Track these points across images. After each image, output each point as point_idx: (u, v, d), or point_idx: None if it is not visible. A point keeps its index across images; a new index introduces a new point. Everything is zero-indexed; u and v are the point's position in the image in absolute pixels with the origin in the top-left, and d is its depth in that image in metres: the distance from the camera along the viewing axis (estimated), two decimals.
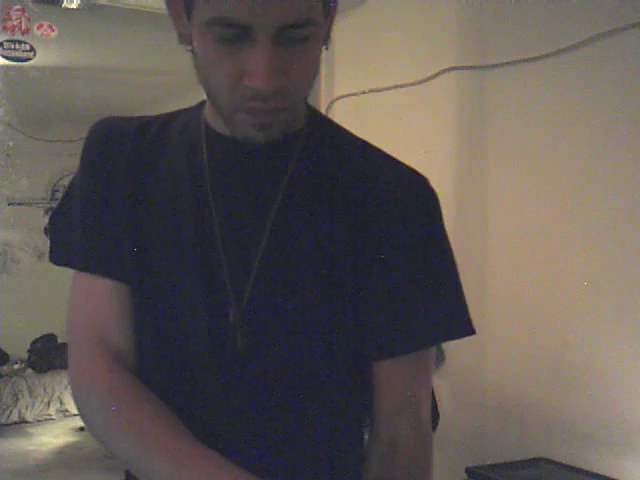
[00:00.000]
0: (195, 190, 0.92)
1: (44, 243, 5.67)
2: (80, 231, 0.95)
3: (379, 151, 0.99)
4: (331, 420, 0.93)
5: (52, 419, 5.74)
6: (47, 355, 5.82)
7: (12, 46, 3.24)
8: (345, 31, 3.53)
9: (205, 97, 0.92)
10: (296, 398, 0.90)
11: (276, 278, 0.89)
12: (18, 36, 3.17)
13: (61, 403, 5.77)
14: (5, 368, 5.86)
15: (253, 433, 0.89)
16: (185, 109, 1.00)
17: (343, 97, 3.51)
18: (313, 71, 0.87)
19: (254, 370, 0.88)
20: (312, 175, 0.93)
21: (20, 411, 5.64)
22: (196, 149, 0.94)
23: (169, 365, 0.92)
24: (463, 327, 0.95)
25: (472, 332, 0.95)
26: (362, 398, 0.95)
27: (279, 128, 0.86)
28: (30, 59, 3.32)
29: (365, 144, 1.01)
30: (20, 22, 3.09)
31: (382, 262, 0.90)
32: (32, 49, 3.29)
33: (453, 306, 0.94)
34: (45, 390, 5.74)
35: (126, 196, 0.93)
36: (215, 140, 0.93)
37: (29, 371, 5.88)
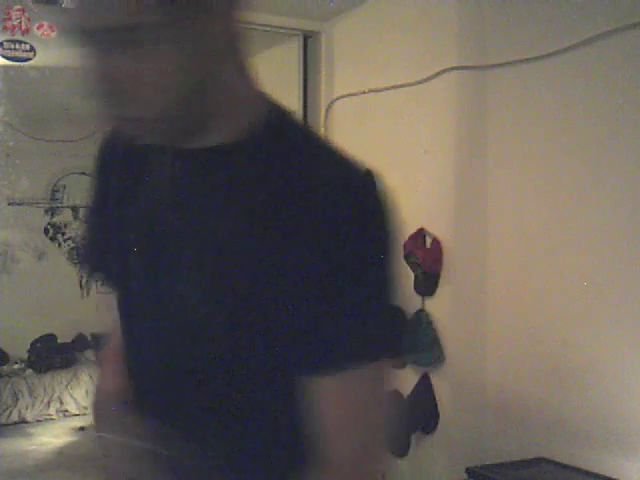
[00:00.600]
0: (144, 197, 0.95)
1: (44, 243, 5.67)
2: (85, 238, 1.07)
3: (330, 155, 0.90)
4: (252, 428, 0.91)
5: (52, 419, 5.73)
6: (47, 355, 5.81)
7: (12, 46, 3.24)
8: (345, 31, 3.53)
9: None
10: (213, 403, 0.91)
11: (197, 283, 0.88)
12: (18, 36, 3.17)
13: (61, 403, 5.76)
14: (5, 368, 5.85)
15: (182, 432, 0.91)
16: None
17: (343, 97, 3.51)
18: (165, 76, 0.80)
19: (179, 371, 0.92)
20: (242, 181, 0.88)
21: (20, 411, 5.63)
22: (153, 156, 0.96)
23: (129, 367, 1.00)
24: (373, 352, 0.85)
25: (384, 356, 0.86)
26: (289, 413, 0.89)
27: (152, 136, 0.86)
28: (30, 59, 3.32)
29: (316, 148, 0.91)
30: (20, 22, 3.09)
31: (305, 273, 0.83)
32: (32, 49, 3.29)
33: (367, 329, 0.85)
34: (45, 390, 5.74)
35: (113, 204, 0.98)
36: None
37: (29, 371, 5.87)
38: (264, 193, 0.86)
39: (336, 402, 0.84)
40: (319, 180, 0.85)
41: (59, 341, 5.81)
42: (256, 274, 0.85)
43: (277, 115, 0.93)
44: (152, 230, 0.92)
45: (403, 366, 3.25)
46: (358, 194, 0.86)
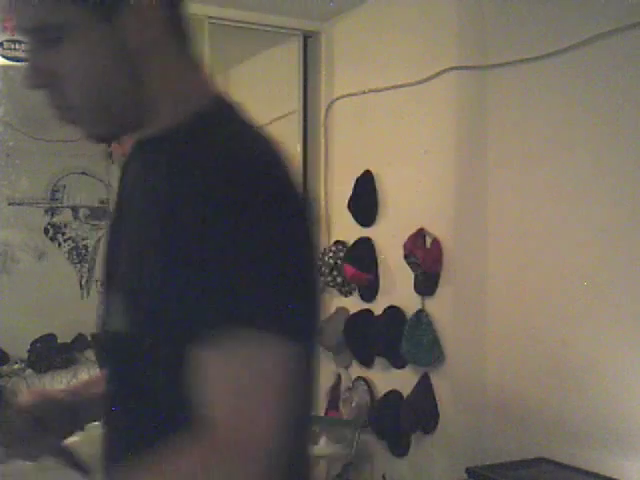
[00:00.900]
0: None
1: (44, 243, 5.66)
2: None
3: (239, 145, 0.89)
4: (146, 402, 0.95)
5: None
6: (47, 355, 5.81)
7: (12, 46, 3.24)
8: (345, 31, 3.53)
9: None
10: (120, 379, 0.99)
11: (109, 277, 1.01)
12: (18, 36, 3.17)
13: None
14: (5, 368, 5.85)
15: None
16: None
17: (343, 97, 3.51)
18: (90, 70, 0.87)
19: (107, 352, 1.05)
20: (149, 175, 0.94)
21: None
22: None
23: None
24: (250, 324, 0.83)
25: (266, 330, 0.83)
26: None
27: (90, 125, 0.93)
28: None
29: (228, 138, 0.89)
30: None
31: (189, 255, 0.84)
32: None
33: (225, 307, 0.83)
34: None
35: None
36: None
37: (29, 371, 5.87)
38: (165, 182, 0.89)
39: (213, 371, 0.83)
40: (210, 168, 0.85)
41: (59, 341, 5.80)
42: (148, 261, 0.90)
43: (211, 107, 0.94)
44: (111, 225, 1.05)
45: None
46: (247, 180, 0.84)
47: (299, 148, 3.72)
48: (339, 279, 3.41)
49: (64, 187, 5.57)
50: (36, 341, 5.91)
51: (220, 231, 0.82)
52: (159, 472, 0.84)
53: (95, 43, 0.86)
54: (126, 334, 0.92)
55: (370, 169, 3.29)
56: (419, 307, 2.97)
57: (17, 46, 3.25)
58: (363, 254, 3.28)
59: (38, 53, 0.87)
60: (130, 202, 0.98)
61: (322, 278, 3.46)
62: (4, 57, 3.28)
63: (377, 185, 3.27)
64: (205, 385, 0.84)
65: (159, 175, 0.91)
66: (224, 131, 0.91)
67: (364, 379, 3.31)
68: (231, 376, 0.83)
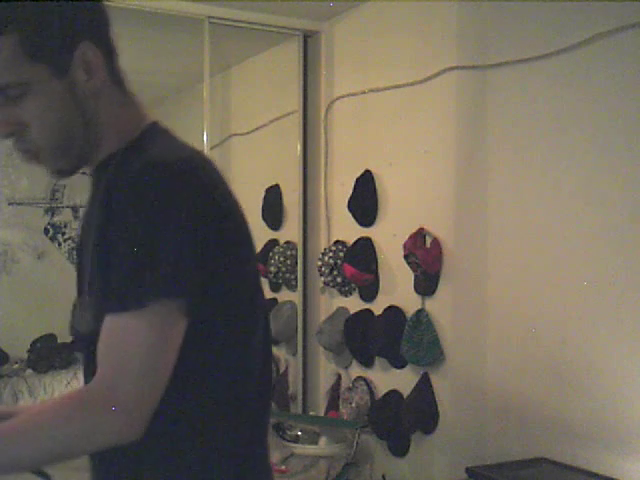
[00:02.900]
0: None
1: (44, 243, 5.67)
2: None
3: (147, 163, 1.03)
4: None
5: None
6: (47, 355, 5.81)
7: None
8: (345, 31, 3.53)
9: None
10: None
11: (81, 279, 1.13)
12: None
13: None
14: (5, 368, 5.85)
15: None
16: None
17: (343, 97, 3.51)
18: (51, 119, 1.05)
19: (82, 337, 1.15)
20: (97, 196, 1.09)
21: None
22: None
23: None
24: (123, 303, 0.99)
25: (132, 307, 0.98)
26: None
27: (53, 163, 1.10)
28: None
29: (142, 158, 1.04)
30: None
31: (106, 254, 1.01)
32: None
33: (121, 283, 0.99)
34: (45, 390, 5.74)
35: None
36: None
37: (29, 371, 5.87)
38: (103, 194, 1.04)
39: (105, 333, 1.00)
40: (119, 183, 1.02)
41: (59, 341, 5.80)
42: (92, 268, 1.06)
43: (146, 132, 1.12)
44: (79, 240, 1.19)
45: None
46: (139, 189, 0.99)
47: (299, 148, 3.73)
48: (339, 279, 3.41)
49: (64, 187, 5.57)
50: (36, 341, 5.92)
51: (120, 226, 0.99)
52: (28, 419, 1.00)
53: (52, 95, 1.04)
54: (92, 332, 1.03)
55: (370, 169, 3.29)
56: (419, 307, 2.97)
57: None
58: (363, 254, 3.29)
59: (4, 107, 1.04)
60: (87, 217, 1.15)
61: (322, 278, 3.47)
62: None
63: (377, 185, 3.27)
64: (100, 343, 1.00)
65: (101, 190, 1.06)
66: (152, 147, 1.08)
67: (364, 379, 3.31)
68: (110, 337, 0.99)
